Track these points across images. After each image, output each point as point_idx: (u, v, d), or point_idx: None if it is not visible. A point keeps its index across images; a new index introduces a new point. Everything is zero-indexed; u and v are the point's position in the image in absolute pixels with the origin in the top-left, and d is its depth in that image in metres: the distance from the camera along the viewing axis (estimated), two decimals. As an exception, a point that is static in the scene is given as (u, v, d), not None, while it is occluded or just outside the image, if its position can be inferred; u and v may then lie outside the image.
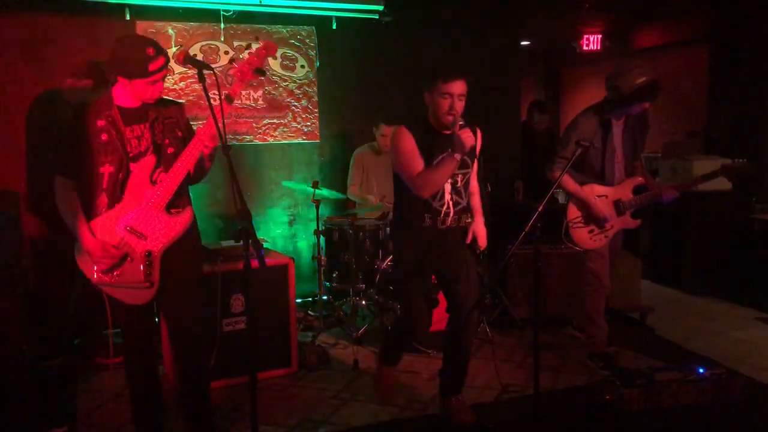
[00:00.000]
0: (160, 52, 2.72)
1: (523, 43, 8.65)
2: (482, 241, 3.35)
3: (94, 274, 2.77)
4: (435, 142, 3.13)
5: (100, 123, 2.73)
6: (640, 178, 4.01)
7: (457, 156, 3.00)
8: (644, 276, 5.43)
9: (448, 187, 3.17)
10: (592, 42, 8.78)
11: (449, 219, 3.22)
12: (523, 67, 7.41)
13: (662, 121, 8.51)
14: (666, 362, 3.95)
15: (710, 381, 3.47)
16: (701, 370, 3.51)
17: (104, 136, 2.72)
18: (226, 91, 2.87)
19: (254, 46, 2.99)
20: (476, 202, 3.41)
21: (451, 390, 3.40)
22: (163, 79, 2.80)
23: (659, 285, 6.12)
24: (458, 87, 3.05)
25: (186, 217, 2.87)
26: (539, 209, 2.90)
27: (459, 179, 3.21)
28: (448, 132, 3.09)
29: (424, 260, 3.26)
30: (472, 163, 3.27)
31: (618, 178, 3.96)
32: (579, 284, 4.14)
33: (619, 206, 3.94)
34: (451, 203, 3.20)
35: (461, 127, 2.97)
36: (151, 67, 2.68)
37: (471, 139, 2.95)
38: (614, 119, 3.89)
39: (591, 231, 3.94)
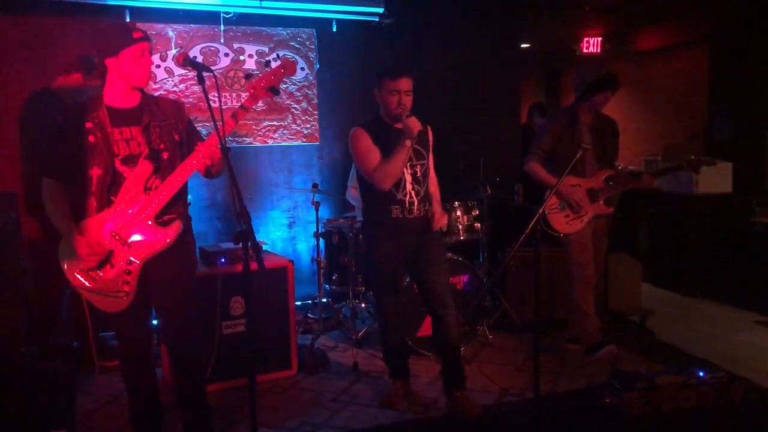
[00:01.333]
0: (137, 27, 2.73)
1: (523, 45, 8.63)
2: (436, 224, 3.50)
3: (74, 277, 2.74)
4: (389, 137, 3.35)
5: (88, 125, 2.68)
6: (611, 171, 4.25)
7: (408, 142, 3.23)
8: (644, 279, 5.43)
9: (408, 178, 3.39)
10: (592, 44, 8.78)
11: (415, 207, 3.41)
12: (523, 69, 7.40)
13: (662, 124, 8.51)
14: (666, 365, 3.95)
15: (710, 384, 3.46)
16: (701, 374, 3.51)
17: (91, 138, 2.67)
18: (241, 103, 2.85)
19: (273, 64, 2.98)
20: (434, 189, 3.59)
21: (453, 385, 3.45)
22: (150, 53, 2.74)
23: (659, 288, 6.12)
24: (404, 84, 3.29)
25: (175, 228, 2.77)
26: (539, 212, 2.92)
27: (418, 170, 3.42)
28: (399, 125, 3.29)
29: (396, 250, 3.43)
30: (427, 154, 3.49)
31: (589, 171, 4.21)
32: (566, 280, 4.31)
33: (591, 193, 4.17)
34: (413, 192, 3.41)
35: (408, 116, 3.20)
36: (135, 34, 2.65)
37: (417, 124, 3.19)
38: (581, 114, 4.19)
39: (567, 216, 4.18)
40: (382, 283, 3.53)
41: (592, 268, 4.19)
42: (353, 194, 5.18)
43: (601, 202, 4.19)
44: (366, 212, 3.59)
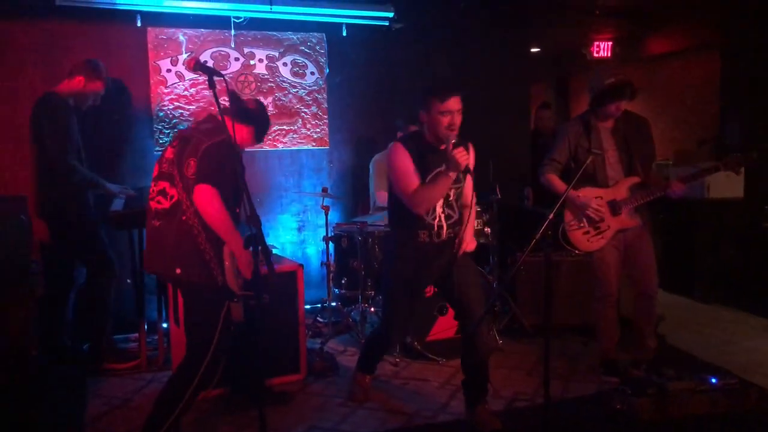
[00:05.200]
0: None
1: (533, 49, 8.62)
2: (467, 246, 3.34)
3: (236, 286, 2.79)
4: (431, 158, 3.19)
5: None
6: (636, 178, 3.89)
7: (452, 174, 3.05)
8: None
9: (440, 201, 3.22)
10: (602, 49, 8.74)
11: (443, 232, 3.26)
12: (532, 73, 7.39)
13: (673, 128, 8.46)
14: (677, 371, 3.91)
15: (723, 391, 3.43)
16: (713, 380, 3.47)
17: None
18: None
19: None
20: (466, 214, 3.37)
21: (477, 399, 3.37)
22: None
23: (671, 293, 6.07)
24: (455, 103, 3.11)
25: None
26: (550, 217, 2.88)
27: (451, 194, 3.26)
28: (443, 147, 3.12)
29: (419, 275, 3.32)
30: (464, 178, 3.31)
31: (612, 179, 3.90)
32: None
33: (613, 206, 3.86)
34: (442, 216, 3.25)
35: (455, 145, 3.00)
36: None
37: (465, 158, 2.99)
38: (598, 121, 3.91)
39: (587, 233, 3.90)
40: (395, 300, 3.41)
41: (613, 287, 3.93)
42: (384, 196, 5.18)
43: (624, 215, 3.86)
44: (391, 227, 3.47)
